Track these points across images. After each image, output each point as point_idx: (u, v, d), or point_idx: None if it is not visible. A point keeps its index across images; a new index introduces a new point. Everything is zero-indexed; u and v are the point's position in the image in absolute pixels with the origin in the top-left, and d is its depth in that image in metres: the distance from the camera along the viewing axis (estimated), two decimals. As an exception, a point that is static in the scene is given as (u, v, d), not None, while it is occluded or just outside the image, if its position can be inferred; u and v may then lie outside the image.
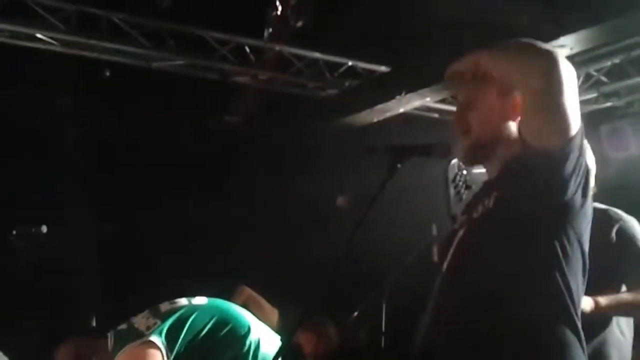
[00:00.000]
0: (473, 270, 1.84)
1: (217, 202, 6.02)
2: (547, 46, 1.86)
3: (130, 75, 5.49)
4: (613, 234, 2.68)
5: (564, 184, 1.79)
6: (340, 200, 1.78)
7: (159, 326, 2.97)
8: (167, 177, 5.91)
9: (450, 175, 2.28)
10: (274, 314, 4.28)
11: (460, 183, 2.26)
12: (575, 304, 1.79)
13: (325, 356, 4.38)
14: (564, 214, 1.81)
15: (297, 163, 6.18)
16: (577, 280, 1.82)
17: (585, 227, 1.85)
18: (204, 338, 3.03)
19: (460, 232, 1.94)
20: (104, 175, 5.70)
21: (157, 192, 5.91)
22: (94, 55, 5.24)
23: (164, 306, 3.12)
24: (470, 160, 2.02)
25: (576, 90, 1.81)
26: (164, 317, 3.02)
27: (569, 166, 1.78)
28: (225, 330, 3.09)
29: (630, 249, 2.69)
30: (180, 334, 2.98)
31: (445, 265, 1.93)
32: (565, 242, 1.80)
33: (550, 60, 1.79)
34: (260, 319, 3.75)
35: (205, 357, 3.03)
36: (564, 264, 1.79)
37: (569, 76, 1.79)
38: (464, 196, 2.29)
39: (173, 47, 5.34)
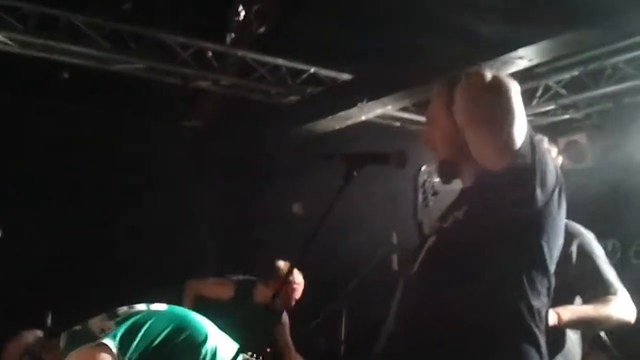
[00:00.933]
0: (438, 280, 1.84)
1: (176, 206, 5.96)
2: (476, 68, 1.84)
3: (89, 78, 5.40)
4: (572, 249, 2.68)
5: (527, 197, 1.77)
6: (297, 207, 1.77)
7: (113, 330, 2.95)
8: (124, 179, 5.83)
9: (420, 181, 2.29)
10: (228, 287, 4.26)
11: (428, 189, 2.27)
12: (537, 320, 1.79)
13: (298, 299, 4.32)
14: (533, 228, 1.80)
15: (256, 169, 6.15)
16: (541, 298, 1.81)
17: (555, 240, 1.84)
18: (159, 345, 3.01)
19: (431, 240, 1.94)
20: (60, 176, 5.59)
21: (114, 194, 5.82)
22: (52, 56, 5.14)
23: (122, 310, 3.11)
24: (441, 176, 2.03)
25: (511, 104, 1.78)
26: (119, 321, 3.01)
27: (528, 179, 1.77)
28: (181, 338, 3.07)
29: (590, 265, 2.71)
30: (135, 339, 2.96)
31: (413, 271, 1.93)
32: (532, 264, 1.80)
33: (467, 80, 1.79)
34: (216, 298, 3.77)
35: None
36: (527, 285, 1.78)
37: (494, 93, 1.77)
38: (431, 203, 2.29)
39: (134, 50, 5.26)
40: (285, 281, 4.14)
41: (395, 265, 4.44)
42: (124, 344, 2.93)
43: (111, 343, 2.91)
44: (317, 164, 2.00)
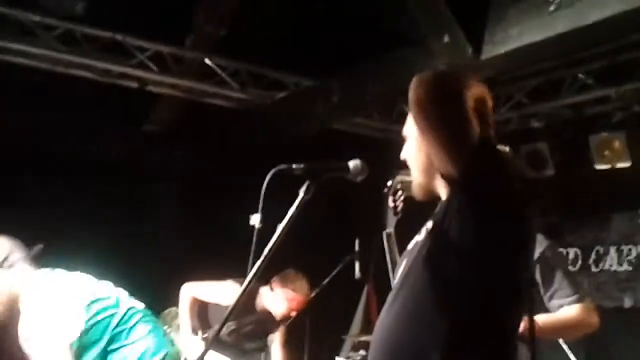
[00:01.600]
0: (405, 294, 1.80)
1: (131, 213, 5.80)
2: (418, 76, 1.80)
3: (41, 79, 5.21)
4: (535, 259, 2.69)
5: (489, 212, 1.72)
6: (254, 219, 1.69)
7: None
8: (80, 184, 5.66)
9: (391, 190, 2.25)
10: (229, 292, 3.96)
11: (398, 196, 2.24)
12: (505, 336, 1.74)
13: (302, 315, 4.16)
14: (500, 248, 1.74)
15: (214, 176, 6.02)
16: (509, 310, 1.77)
17: (528, 256, 1.81)
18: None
19: (411, 253, 1.91)
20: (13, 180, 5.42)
21: (71, 199, 5.65)
22: (2, 57, 4.93)
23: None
24: (419, 196, 1.98)
25: (454, 115, 1.75)
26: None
27: (486, 192, 1.72)
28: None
29: (554, 274, 2.75)
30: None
31: (394, 283, 1.92)
32: (506, 289, 1.76)
33: (410, 88, 1.77)
34: (215, 302, 3.88)
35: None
36: (507, 321, 1.75)
37: (435, 107, 1.75)
38: (400, 212, 2.27)
39: (88, 52, 5.09)
40: (298, 290, 4.02)
41: (357, 273, 4.38)
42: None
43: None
44: (277, 173, 1.92)
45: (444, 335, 1.68)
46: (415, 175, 1.94)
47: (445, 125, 1.74)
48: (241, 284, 3.92)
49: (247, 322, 4.06)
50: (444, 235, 1.75)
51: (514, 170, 1.84)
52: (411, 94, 1.76)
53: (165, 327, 4.36)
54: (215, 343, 3.73)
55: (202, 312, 4.16)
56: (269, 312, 4.03)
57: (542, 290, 2.72)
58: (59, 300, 2.87)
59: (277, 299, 4.00)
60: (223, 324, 1.99)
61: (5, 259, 2.94)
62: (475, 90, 1.81)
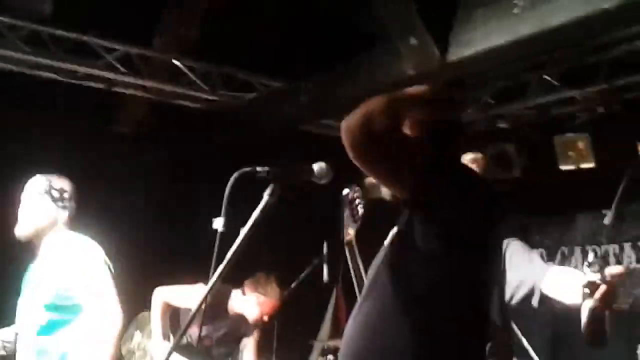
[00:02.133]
0: (373, 299, 1.82)
1: (101, 215, 5.72)
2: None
3: (7, 81, 5.12)
4: (502, 257, 2.70)
5: (447, 212, 1.74)
6: (217, 223, 1.68)
7: None
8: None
9: (349, 197, 2.23)
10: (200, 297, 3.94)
11: (357, 204, 2.23)
12: (476, 336, 1.77)
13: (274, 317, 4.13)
14: (466, 253, 1.76)
15: (183, 179, 5.98)
16: (477, 311, 1.79)
17: (494, 263, 1.83)
18: None
19: (379, 257, 1.93)
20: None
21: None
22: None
23: None
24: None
25: (382, 145, 1.76)
26: None
27: (441, 203, 1.74)
28: None
29: (528, 259, 2.72)
30: None
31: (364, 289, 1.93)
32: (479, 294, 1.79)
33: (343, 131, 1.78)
34: (187, 308, 3.86)
35: None
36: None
37: (363, 141, 1.75)
38: (359, 217, 2.25)
39: (55, 53, 5.02)
40: (269, 294, 3.99)
41: (325, 277, 4.37)
42: None
43: None
44: (243, 177, 1.92)
45: (412, 340, 1.69)
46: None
47: (383, 163, 1.77)
48: (214, 290, 3.92)
49: (220, 326, 4.04)
50: (408, 240, 1.77)
51: (472, 176, 1.85)
52: (343, 142, 1.79)
53: (138, 332, 4.31)
54: (182, 349, 3.70)
55: (174, 317, 4.12)
56: (242, 316, 4.01)
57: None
58: (97, 252, 3.09)
59: (249, 304, 3.98)
60: (186, 328, 1.99)
61: (65, 199, 3.12)
62: (394, 108, 1.82)
